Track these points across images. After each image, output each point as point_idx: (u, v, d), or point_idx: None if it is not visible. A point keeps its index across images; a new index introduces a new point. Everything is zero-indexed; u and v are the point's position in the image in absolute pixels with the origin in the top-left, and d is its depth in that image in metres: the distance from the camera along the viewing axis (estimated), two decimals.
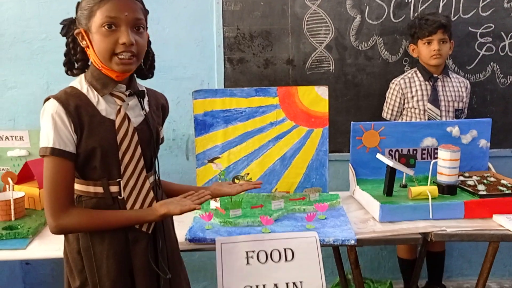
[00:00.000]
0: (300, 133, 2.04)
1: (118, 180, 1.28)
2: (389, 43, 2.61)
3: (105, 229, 1.26)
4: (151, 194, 1.34)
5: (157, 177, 1.39)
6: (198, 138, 2.02)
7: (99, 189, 1.28)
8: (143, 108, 1.34)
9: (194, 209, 1.30)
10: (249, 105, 2.02)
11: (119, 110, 1.28)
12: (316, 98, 2.02)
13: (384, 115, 2.55)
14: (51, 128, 1.20)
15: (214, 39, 2.59)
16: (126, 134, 1.28)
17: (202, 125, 2.02)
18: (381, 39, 2.61)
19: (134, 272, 1.31)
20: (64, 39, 1.31)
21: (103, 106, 1.27)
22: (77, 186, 1.28)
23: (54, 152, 1.20)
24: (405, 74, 2.51)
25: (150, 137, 1.35)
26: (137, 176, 1.31)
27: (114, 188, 1.28)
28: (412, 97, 2.44)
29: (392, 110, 2.51)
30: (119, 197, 1.29)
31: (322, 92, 2.02)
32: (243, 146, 2.04)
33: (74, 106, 1.22)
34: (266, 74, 2.62)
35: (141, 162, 1.31)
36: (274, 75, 2.63)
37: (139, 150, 1.30)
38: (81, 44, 1.28)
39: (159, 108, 1.44)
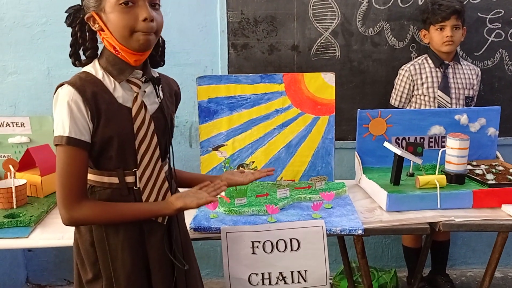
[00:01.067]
0: (306, 121, 2.01)
1: (134, 170, 1.25)
2: (396, 29, 2.56)
3: (119, 222, 1.23)
4: (166, 184, 1.31)
5: (172, 167, 1.37)
6: (202, 125, 1.99)
7: (114, 180, 1.24)
8: (158, 96, 1.30)
9: (211, 201, 1.27)
10: (254, 91, 1.99)
11: (136, 97, 1.24)
12: (322, 85, 1.98)
13: (392, 101, 2.51)
14: (67, 116, 1.14)
15: (218, 24, 2.54)
16: (143, 122, 1.24)
17: (207, 112, 1.98)
18: (388, 24, 2.56)
19: (150, 264, 1.29)
20: (65, 24, 1.27)
21: (120, 93, 1.22)
22: (90, 177, 1.25)
23: (70, 141, 1.15)
24: (415, 60, 2.46)
25: (165, 125, 1.31)
26: (153, 166, 1.27)
27: (129, 179, 1.25)
28: (422, 84, 2.39)
29: (401, 97, 2.47)
30: (134, 187, 1.26)
31: (329, 78, 1.98)
32: (248, 134, 2.01)
33: (91, 93, 1.17)
34: (271, 60, 2.58)
35: (157, 152, 1.28)
36: (279, 61, 2.58)
37: (155, 139, 1.27)
38: (92, 28, 1.22)
39: (172, 95, 1.40)
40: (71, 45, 1.26)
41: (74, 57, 1.27)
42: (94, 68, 1.23)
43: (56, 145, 1.17)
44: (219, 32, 2.54)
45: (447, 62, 2.39)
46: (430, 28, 2.38)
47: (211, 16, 2.55)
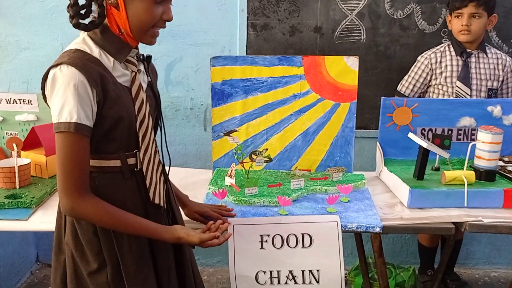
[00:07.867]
0: (326, 107, 1.90)
1: (134, 151, 1.21)
2: (427, 12, 2.43)
3: (117, 230, 1.17)
4: (161, 166, 1.31)
5: (166, 146, 1.31)
6: (215, 108, 1.91)
7: (116, 163, 1.19)
8: (148, 74, 1.26)
9: (214, 244, 1.22)
10: (271, 74, 1.89)
11: (134, 77, 1.19)
12: (344, 69, 1.86)
13: (401, 89, 2.34)
14: (73, 100, 1.06)
15: (237, 2, 2.45)
16: (142, 102, 1.19)
17: (220, 94, 1.90)
18: (418, 7, 2.43)
19: (153, 247, 1.26)
20: None
21: (119, 72, 1.17)
22: None
23: (78, 127, 1.06)
24: (437, 47, 2.30)
25: (155, 103, 1.29)
26: (151, 146, 1.25)
27: (131, 161, 1.21)
28: (441, 73, 2.25)
29: (414, 85, 2.31)
30: (135, 169, 1.21)
31: (351, 63, 1.85)
32: (263, 119, 1.92)
33: (96, 73, 1.10)
34: (292, 42, 2.48)
35: (153, 132, 1.26)
36: (300, 44, 2.48)
37: (151, 119, 1.24)
38: (107, 1, 1.12)
39: (153, 72, 1.36)
40: (72, 5, 1.13)
41: (77, 18, 1.13)
42: (87, 45, 1.14)
43: (59, 132, 1.08)
44: (238, 11, 2.45)
45: (470, 50, 2.23)
46: (452, 14, 2.23)
47: None
